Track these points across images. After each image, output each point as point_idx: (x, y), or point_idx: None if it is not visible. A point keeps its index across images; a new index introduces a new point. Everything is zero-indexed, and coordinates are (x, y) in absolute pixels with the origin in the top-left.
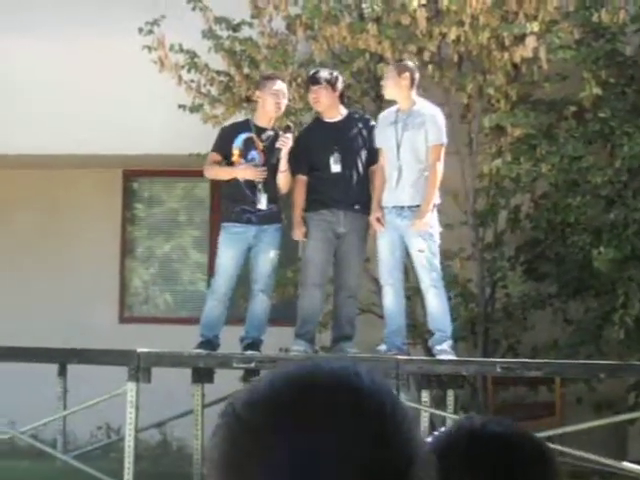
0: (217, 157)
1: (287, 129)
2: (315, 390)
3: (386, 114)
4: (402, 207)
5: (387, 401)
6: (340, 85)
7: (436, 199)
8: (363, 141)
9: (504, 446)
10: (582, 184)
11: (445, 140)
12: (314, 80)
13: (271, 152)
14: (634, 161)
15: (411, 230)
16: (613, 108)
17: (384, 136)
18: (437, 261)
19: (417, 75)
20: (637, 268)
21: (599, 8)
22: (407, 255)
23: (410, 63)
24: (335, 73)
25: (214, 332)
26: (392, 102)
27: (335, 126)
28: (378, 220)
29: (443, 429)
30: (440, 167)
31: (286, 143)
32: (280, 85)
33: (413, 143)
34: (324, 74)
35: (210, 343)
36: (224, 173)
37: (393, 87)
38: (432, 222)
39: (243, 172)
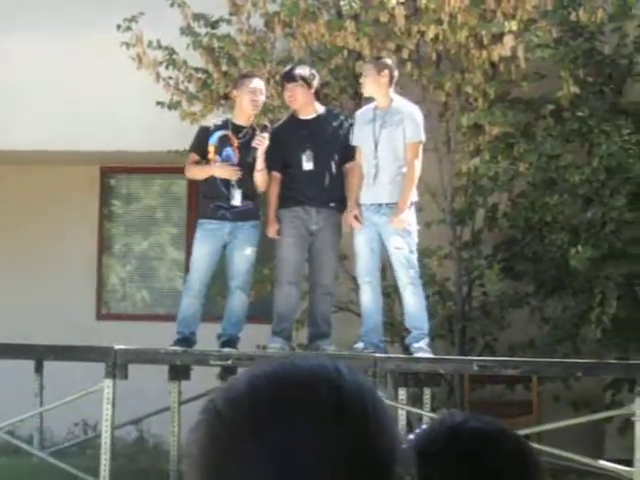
0: (195, 157)
1: (264, 128)
2: (295, 387)
3: (364, 112)
4: (380, 204)
5: (367, 398)
6: (316, 82)
7: (414, 197)
8: (338, 138)
9: (484, 442)
10: (560, 183)
11: (423, 138)
12: (289, 77)
13: (247, 150)
14: (612, 160)
15: (389, 227)
16: (591, 107)
17: (361, 134)
18: (415, 259)
19: (396, 73)
20: (614, 267)
21: (577, 7)
22: (385, 253)
23: (389, 61)
24: (310, 70)
25: (190, 329)
26: (371, 99)
27: (309, 123)
28: (356, 218)
29: (424, 426)
30: (418, 165)
31: (262, 142)
32: (257, 83)
33: (391, 141)
34: (299, 71)
35: (187, 340)
36: (201, 172)
37: (372, 84)
38: (410, 220)
39: (219, 170)
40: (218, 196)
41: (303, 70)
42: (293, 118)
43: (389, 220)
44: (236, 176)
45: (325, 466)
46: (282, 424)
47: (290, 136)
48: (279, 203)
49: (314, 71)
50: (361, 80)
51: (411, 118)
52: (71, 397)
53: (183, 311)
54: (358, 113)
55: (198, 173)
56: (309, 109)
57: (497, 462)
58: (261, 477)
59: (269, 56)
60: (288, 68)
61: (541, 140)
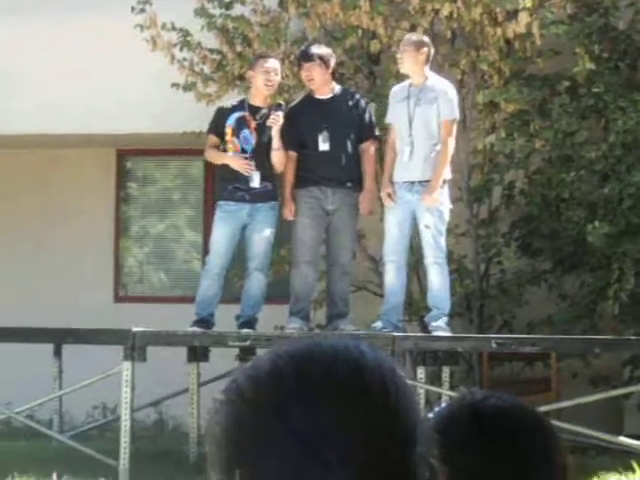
0: (214, 139)
1: (278, 107)
2: (316, 365)
3: (398, 89)
4: (413, 182)
5: (388, 377)
6: (333, 62)
7: (447, 174)
8: (354, 118)
9: (506, 419)
10: (576, 159)
11: (457, 115)
12: (306, 57)
13: (265, 131)
14: (628, 135)
15: (422, 205)
16: (606, 83)
17: (395, 112)
18: (443, 239)
19: (432, 50)
20: (631, 243)
21: None
22: (415, 231)
23: (426, 38)
24: (327, 49)
25: (209, 310)
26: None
27: (325, 103)
28: (389, 195)
29: (443, 405)
30: (452, 143)
31: (276, 121)
32: (271, 63)
33: (425, 118)
34: (316, 50)
35: (205, 321)
36: (216, 159)
37: (410, 62)
38: (442, 199)
39: (231, 160)
40: (236, 178)
41: (320, 49)
42: (310, 98)
43: (421, 198)
44: (247, 170)
45: (346, 445)
46: (304, 402)
47: (306, 116)
48: (295, 183)
49: (331, 50)
50: (398, 56)
51: (445, 96)
52: (90, 380)
53: (202, 293)
54: (392, 91)
55: (215, 158)
56: (326, 89)
57: (520, 439)
58: (284, 455)
59: (283, 36)
60: (305, 47)
61: (557, 117)
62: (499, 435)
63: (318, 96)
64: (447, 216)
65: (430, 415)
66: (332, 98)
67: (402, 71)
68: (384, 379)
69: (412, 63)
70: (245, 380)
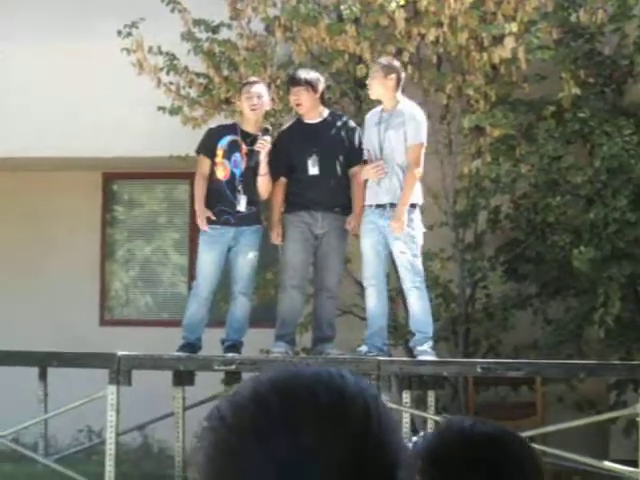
0: (205, 162)
1: (265, 131)
2: (298, 392)
3: (371, 114)
4: (383, 206)
5: (371, 404)
6: (321, 86)
7: (418, 200)
8: (343, 142)
9: (496, 446)
10: (562, 184)
11: (424, 140)
12: (294, 81)
13: (254, 157)
14: (613, 160)
15: (392, 231)
16: (592, 108)
17: (369, 136)
18: (419, 263)
19: (403, 75)
20: (617, 267)
21: (577, 8)
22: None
23: (396, 63)
24: (315, 73)
25: (196, 335)
26: (374, 103)
27: (314, 128)
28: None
29: (429, 431)
30: (418, 168)
31: (264, 146)
32: (256, 87)
33: (394, 143)
34: (304, 75)
35: (192, 346)
36: (196, 194)
37: (378, 87)
38: (414, 224)
39: (198, 207)
40: (222, 201)
41: (308, 74)
42: (298, 122)
43: (389, 225)
44: (204, 229)
45: (328, 470)
46: (285, 428)
47: (295, 141)
48: (284, 208)
49: (319, 75)
50: (367, 82)
51: (412, 120)
52: (75, 404)
53: (189, 316)
54: (367, 116)
55: (195, 191)
56: (314, 113)
57: (508, 465)
58: None
59: (270, 60)
60: (293, 72)
61: (542, 142)
62: (489, 462)
63: (307, 120)
64: (420, 240)
65: (415, 440)
66: (321, 122)
67: (372, 97)
68: (366, 406)
69: (380, 88)
70: (227, 407)
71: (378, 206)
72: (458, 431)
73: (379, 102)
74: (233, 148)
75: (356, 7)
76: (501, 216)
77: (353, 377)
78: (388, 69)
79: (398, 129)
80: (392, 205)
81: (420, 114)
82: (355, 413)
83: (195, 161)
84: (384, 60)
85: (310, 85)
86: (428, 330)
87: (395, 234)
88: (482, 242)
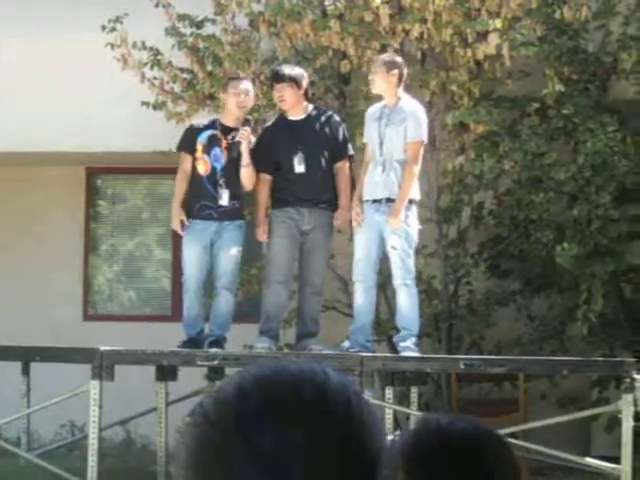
0: (187, 159)
1: (245, 122)
2: (280, 388)
3: (372, 110)
4: (380, 201)
5: (353, 401)
6: (305, 82)
7: (415, 195)
8: (328, 138)
9: (473, 443)
10: (545, 180)
11: (425, 137)
12: (278, 78)
13: (235, 150)
14: (597, 157)
15: (389, 227)
16: (576, 104)
17: (369, 132)
18: (411, 260)
19: (405, 71)
20: (600, 264)
21: (561, 5)
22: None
23: (399, 59)
24: (299, 69)
25: (195, 329)
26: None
27: (299, 125)
28: (357, 215)
29: (406, 430)
30: (416, 164)
31: (244, 136)
32: (244, 84)
33: (394, 139)
34: (288, 71)
35: (193, 341)
36: (176, 192)
37: (381, 82)
38: (410, 220)
39: (175, 209)
40: (204, 195)
41: (292, 70)
42: (282, 119)
43: (386, 220)
44: (178, 230)
45: (311, 466)
46: (267, 424)
47: (280, 138)
48: (270, 203)
49: (303, 70)
50: (370, 77)
51: (414, 117)
52: (58, 398)
53: (185, 314)
54: (368, 111)
55: (176, 190)
56: (298, 109)
57: (486, 462)
58: (248, 477)
59: (254, 56)
60: (277, 68)
61: (526, 138)
62: (466, 459)
63: (291, 117)
64: (415, 237)
65: (391, 438)
66: (306, 118)
67: (373, 91)
68: (348, 402)
69: (383, 83)
70: (211, 402)
71: (374, 201)
72: (436, 428)
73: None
74: (213, 143)
75: (340, 3)
76: (484, 212)
77: (336, 374)
78: (391, 65)
79: (399, 125)
80: (388, 200)
81: (421, 111)
82: (337, 409)
83: (179, 156)
84: (386, 56)
85: (294, 81)
86: (414, 327)
87: (390, 227)
88: (465, 238)
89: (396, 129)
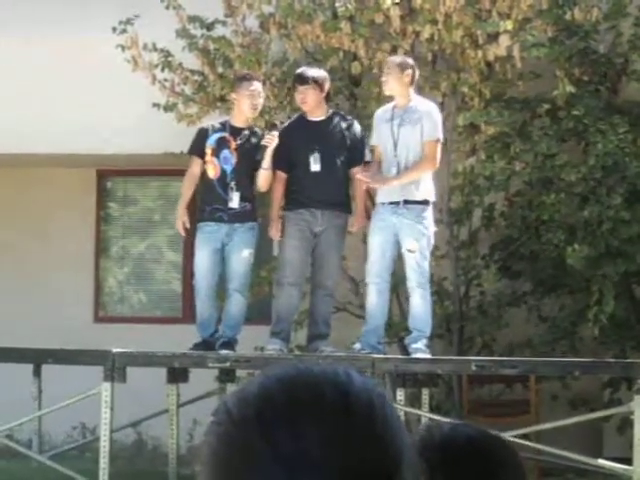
0: (197, 162)
1: (273, 127)
2: (303, 389)
3: (382, 111)
4: (397, 203)
5: (376, 402)
6: (327, 84)
7: (431, 196)
8: (345, 141)
9: (478, 448)
10: (556, 182)
11: (441, 136)
12: (302, 80)
13: (246, 152)
14: (608, 158)
15: (405, 229)
16: (586, 106)
17: (380, 133)
18: (426, 263)
19: (417, 72)
20: (611, 265)
21: (572, 6)
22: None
23: (411, 60)
24: (322, 72)
25: (208, 332)
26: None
27: (318, 125)
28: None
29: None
30: (432, 162)
31: (271, 140)
32: (256, 85)
33: (409, 139)
34: (312, 74)
35: (206, 343)
36: (183, 193)
37: (394, 83)
38: (427, 221)
39: (179, 210)
40: (215, 198)
41: (316, 72)
42: (302, 119)
43: (371, 182)
44: (180, 231)
45: (332, 468)
46: (290, 425)
47: (298, 137)
48: (284, 204)
49: (326, 73)
50: (382, 78)
51: (429, 116)
52: (70, 401)
53: (198, 316)
54: (377, 113)
55: (183, 191)
56: (319, 111)
57: (491, 468)
58: (270, 478)
59: (264, 57)
60: (300, 70)
61: (537, 139)
62: (472, 465)
63: (311, 118)
64: (432, 240)
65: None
66: (325, 120)
67: (386, 92)
68: (371, 404)
69: (396, 84)
70: (234, 402)
71: (391, 203)
72: (441, 434)
73: (375, 99)
74: (221, 145)
75: (351, 4)
76: (495, 214)
77: (360, 376)
78: (404, 65)
79: (415, 125)
80: (406, 202)
81: (436, 110)
82: (360, 411)
83: (189, 158)
84: (398, 57)
85: (317, 84)
86: (426, 329)
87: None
88: (476, 240)
89: (412, 129)
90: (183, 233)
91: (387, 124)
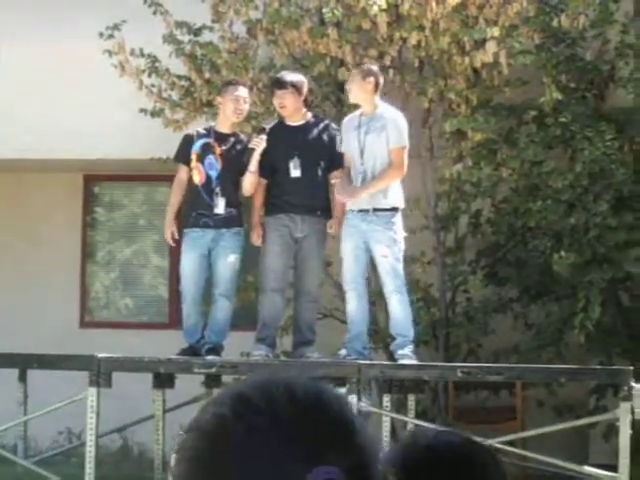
0: (183, 169)
1: (261, 130)
2: (277, 390)
3: (350, 118)
4: (367, 211)
5: (346, 407)
6: (305, 89)
7: (400, 203)
8: (325, 146)
9: (462, 455)
10: (543, 188)
11: (406, 143)
12: (280, 84)
13: (231, 157)
14: (594, 165)
15: (375, 235)
16: (573, 113)
17: (348, 141)
18: (401, 267)
19: (381, 79)
20: (597, 272)
21: (559, 13)
22: (371, 259)
23: (375, 67)
24: (300, 76)
25: (195, 337)
26: (355, 107)
27: (297, 130)
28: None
29: (395, 444)
30: (398, 169)
31: (259, 144)
32: (241, 91)
33: (375, 147)
34: (290, 78)
35: (193, 348)
36: (171, 202)
37: (357, 91)
38: (396, 227)
39: (168, 220)
40: (201, 204)
41: (294, 77)
42: (281, 124)
43: (340, 196)
44: (169, 241)
45: (301, 466)
46: (265, 423)
47: (278, 142)
48: (264, 210)
49: (304, 77)
50: (346, 86)
51: (394, 124)
52: (55, 406)
53: (184, 322)
54: (345, 120)
55: (171, 200)
56: (298, 116)
57: (474, 475)
58: (248, 473)
59: (252, 63)
60: (278, 75)
61: (524, 146)
62: (455, 472)
63: (290, 123)
64: (402, 244)
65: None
66: (304, 125)
67: (351, 101)
68: (341, 406)
69: (359, 92)
70: (204, 414)
71: (360, 210)
72: (424, 441)
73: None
74: (206, 151)
75: (338, 11)
76: (482, 220)
77: (331, 387)
78: (366, 72)
79: (379, 133)
80: (375, 210)
81: (401, 117)
82: (330, 410)
83: (176, 164)
84: (363, 66)
85: (295, 88)
86: (409, 334)
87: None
88: (463, 246)
89: (377, 136)
90: (172, 243)
91: (354, 132)
